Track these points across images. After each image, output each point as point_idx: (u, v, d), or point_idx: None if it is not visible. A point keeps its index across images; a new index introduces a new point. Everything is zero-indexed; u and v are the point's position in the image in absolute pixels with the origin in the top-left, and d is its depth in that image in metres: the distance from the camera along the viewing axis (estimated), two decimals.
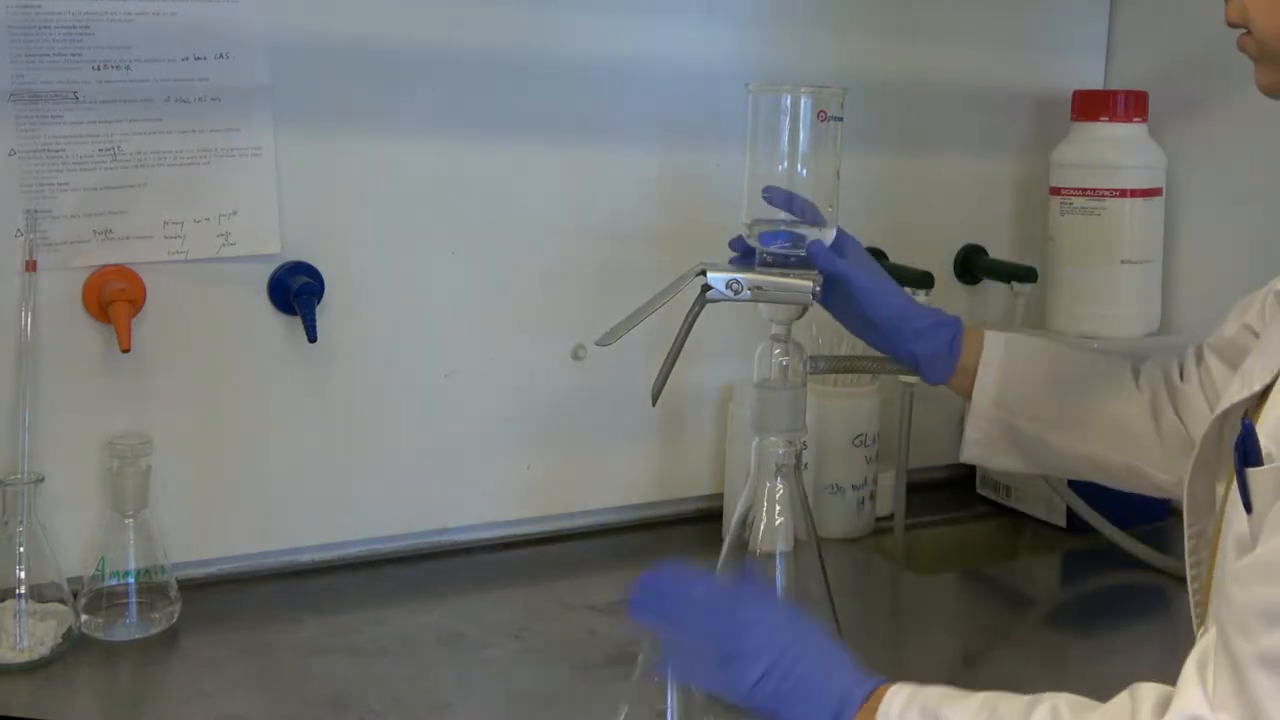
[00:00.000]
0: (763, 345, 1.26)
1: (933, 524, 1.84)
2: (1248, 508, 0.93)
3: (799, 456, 1.24)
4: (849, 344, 1.70)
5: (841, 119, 1.25)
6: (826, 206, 1.26)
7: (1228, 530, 0.98)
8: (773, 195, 1.25)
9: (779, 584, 1.23)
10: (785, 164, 1.25)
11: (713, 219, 1.69)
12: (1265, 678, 0.82)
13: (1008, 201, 1.95)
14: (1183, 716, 0.84)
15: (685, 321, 1.27)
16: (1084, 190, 1.79)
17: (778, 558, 1.24)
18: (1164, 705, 0.86)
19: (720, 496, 1.73)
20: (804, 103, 1.23)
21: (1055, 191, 1.83)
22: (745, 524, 1.24)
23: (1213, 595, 1.00)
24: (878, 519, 1.77)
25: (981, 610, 1.62)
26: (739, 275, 1.24)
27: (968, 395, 1.34)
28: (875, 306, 1.31)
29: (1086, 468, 1.33)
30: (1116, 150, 1.80)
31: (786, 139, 1.24)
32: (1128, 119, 1.80)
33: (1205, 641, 0.88)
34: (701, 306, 1.26)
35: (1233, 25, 1.03)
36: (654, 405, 1.28)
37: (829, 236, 1.27)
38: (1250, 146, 1.76)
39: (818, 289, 1.23)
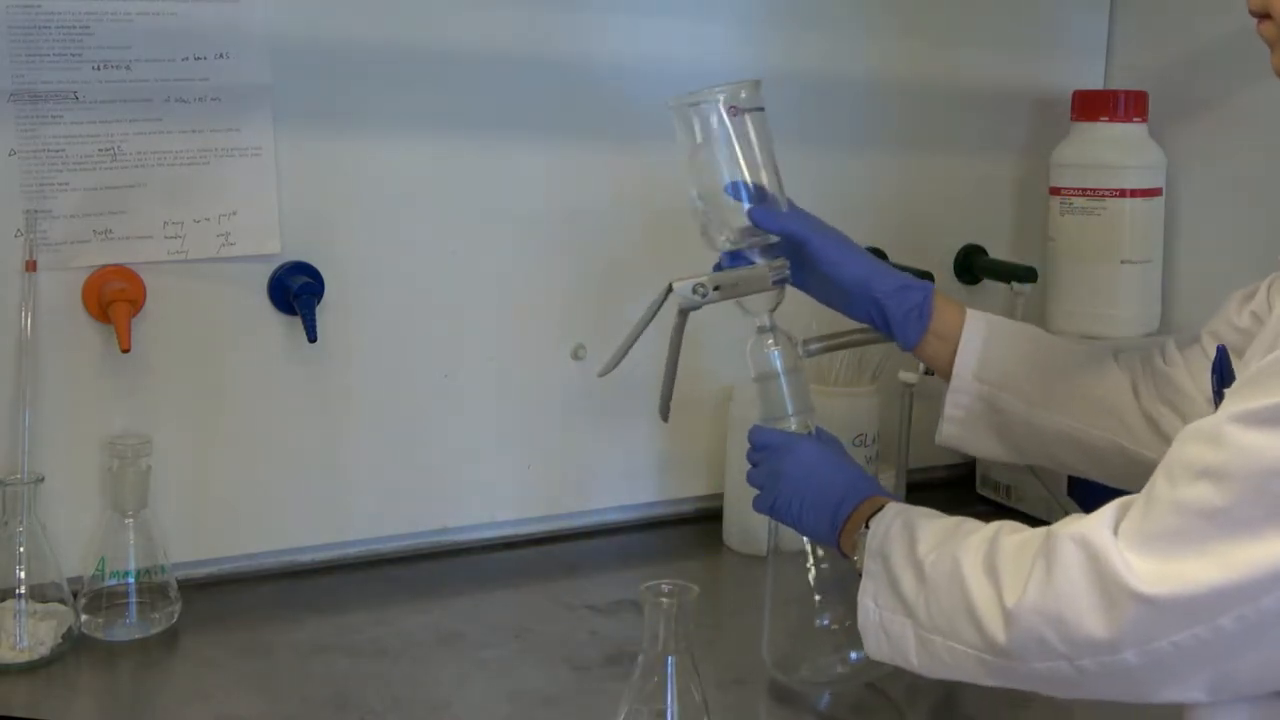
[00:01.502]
0: (752, 339, 1.29)
1: None
2: None
3: (814, 435, 1.28)
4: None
5: (762, 109, 1.27)
6: (774, 192, 1.28)
7: None
8: (728, 188, 1.28)
9: (811, 568, 1.29)
10: (723, 165, 1.27)
11: None
12: (1174, 520, 0.89)
13: (1008, 201, 1.95)
14: (1075, 532, 0.94)
15: (673, 337, 1.29)
16: (1084, 190, 1.79)
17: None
18: (1075, 523, 0.95)
19: (720, 496, 1.74)
20: (718, 103, 1.25)
21: (1055, 191, 1.83)
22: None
23: None
24: None
25: None
26: (701, 279, 1.26)
27: (945, 368, 1.34)
28: (836, 265, 1.31)
29: (1068, 449, 1.33)
30: (1116, 150, 1.80)
31: (716, 142, 1.27)
32: (1128, 119, 1.80)
33: (1133, 495, 0.95)
34: (684, 318, 1.29)
35: (1254, 14, 1.04)
36: (665, 421, 1.33)
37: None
38: (1250, 146, 1.76)
39: (784, 274, 1.27)
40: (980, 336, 1.33)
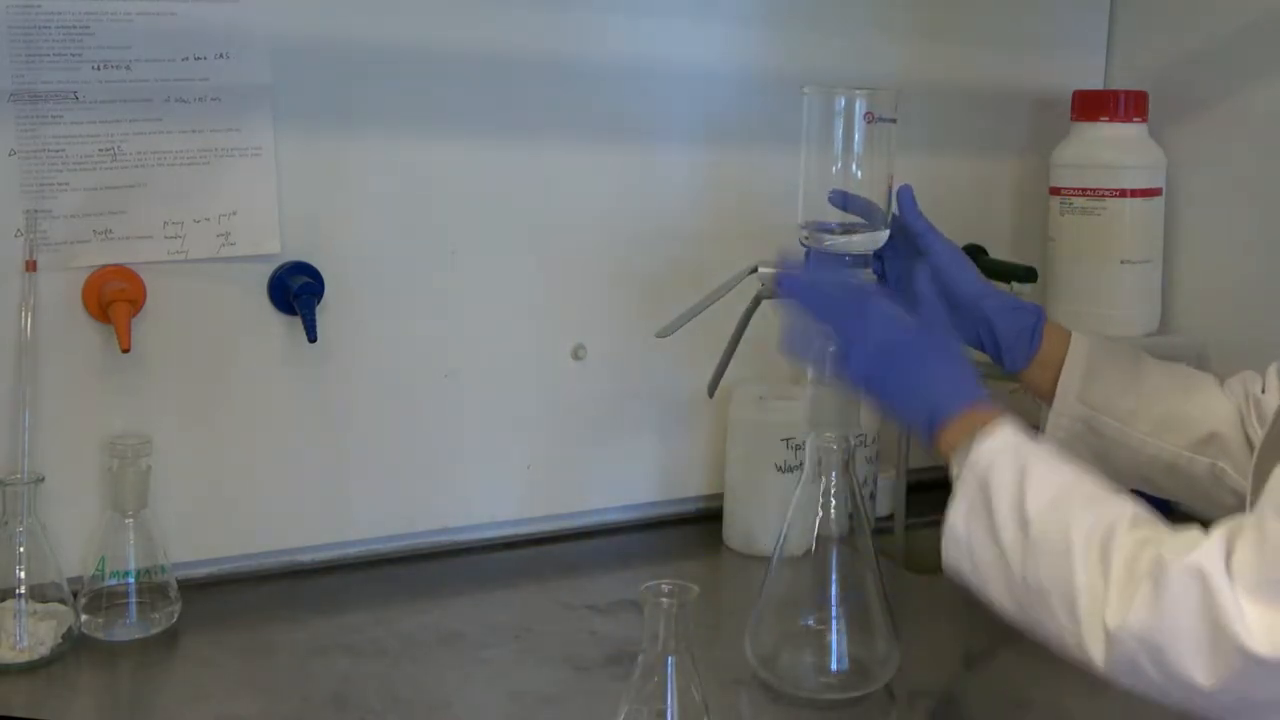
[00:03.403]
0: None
1: (933, 523, 1.78)
2: None
3: (852, 452, 1.29)
4: None
5: (894, 120, 1.28)
6: (880, 208, 1.29)
7: None
8: (833, 197, 1.26)
9: (834, 574, 1.28)
10: (839, 165, 1.28)
11: (712, 220, 1.71)
12: None
13: (1007, 202, 1.95)
14: (1190, 564, 0.89)
15: (740, 320, 1.31)
16: (1084, 190, 1.80)
17: (832, 548, 1.29)
18: (1188, 549, 0.91)
19: (720, 497, 1.74)
20: (856, 104, 1.26)
21: (1055, 191, 1.83)
22: (795, 522, 1.30)
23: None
24: (878, 518, 1.76)
25: (981, 609, 1.59)
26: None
27: (1045, 391, 1.32)
28: (954, 279, 1.29)
29: (1167, 475, 1.29)
30: (1116, 150, 1.80)
31: (840, 140, 1.27)
32: (1128, 119, 1.80)
33: (1238, 518, 0.92)
34: (757, 304, 1.30)
35: None
36: (711, 397, 1.38)
37: (882, 238, 1.30)
38: (1250, 146, 1.76)
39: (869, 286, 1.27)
40: (1084, 358, 1.30)
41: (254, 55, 1.47)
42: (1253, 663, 0.86)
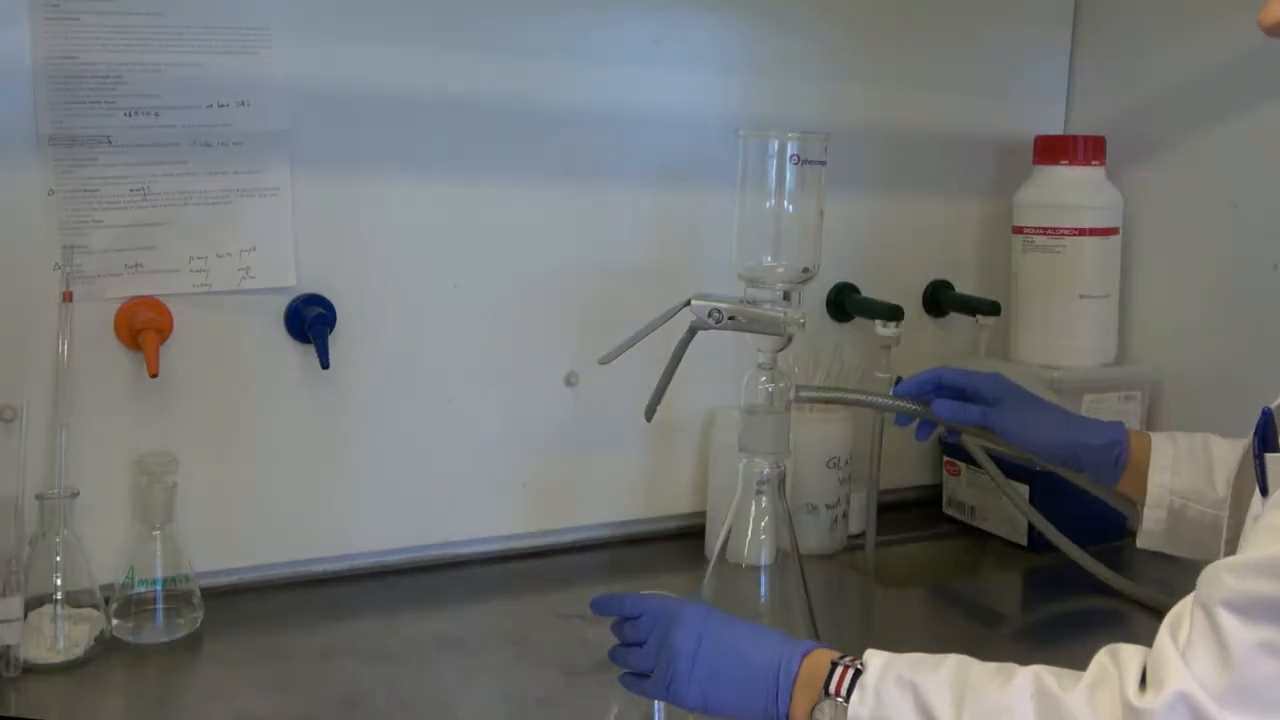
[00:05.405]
0: (750, 372, 1.31)
1: (902, 541, 1.87)
2: (1263, 491, 0.95)
3: (782, 476, 1.30)
4: (824, 375, 1.76)
5: (824, 163, 1.31)
6: (811, 246, 1.32)
7: (1249, 513, 1.02)
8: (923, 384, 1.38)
9: (763, 595, 1.29)
10: (771, 203, 1.30)
11: (697, 255, 1.72)
12: (1270, 667, 0.82)
13: (973, 239, 1.97)
14: (1174, 695, 0.83)
15: (676, 349, 1.33)
16: (1045, 229, 1.83)
17: (761, 570, 1.31)
18: (1146, 678, 0.87)
19: (702, 515, 1.76)
20: (787, 147, 1.30)
21: (1018, 230, 1.86)
22: (731, 538, 1.31)
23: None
24: (850, 536, 1.79)
25: (947, 623, 1.64)
26: (720, 305, 1.29)
27: (1137, 492, 1.35)
28: (1033, 444, 1.34)
29: None
30: (1076, 192, 1.83)
31: (772, 181, 1.30)
32: (1086, 162, 1.84)
33: (1178, 609, 0.88)
34: (691, 335, 1.31)
35: (1270, 30, 0.94)
36: (649, 421, 1.37)
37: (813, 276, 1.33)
38: (1201, 188, 1.80)
39: (798, 326, 1.28)
40: (1169, 457, 1.33)
41: (272, 103, 1.51)
42: None
